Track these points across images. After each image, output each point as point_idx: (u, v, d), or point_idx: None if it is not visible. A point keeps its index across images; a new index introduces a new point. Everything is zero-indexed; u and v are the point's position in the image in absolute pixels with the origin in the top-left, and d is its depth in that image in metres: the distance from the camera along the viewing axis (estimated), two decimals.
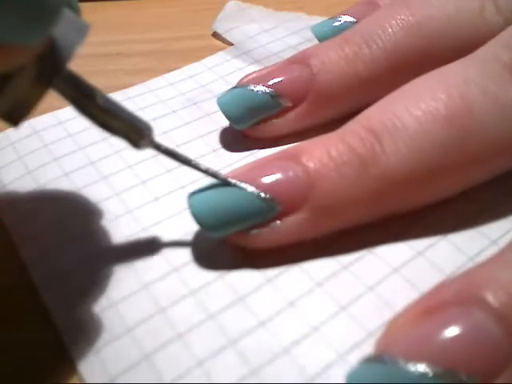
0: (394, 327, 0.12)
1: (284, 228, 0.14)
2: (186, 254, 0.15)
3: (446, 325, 0.11)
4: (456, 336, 0.10)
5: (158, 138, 0.18)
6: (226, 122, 0.19)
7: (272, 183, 0.14)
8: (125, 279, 0.14)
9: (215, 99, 0.20)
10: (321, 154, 0.14)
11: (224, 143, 0.19)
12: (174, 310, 0.13)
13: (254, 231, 0.14)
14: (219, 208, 0.14)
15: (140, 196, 0.17)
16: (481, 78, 0.14)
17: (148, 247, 0.15)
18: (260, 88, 0.17)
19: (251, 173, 0.14)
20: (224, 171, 0.17)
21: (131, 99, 0.21)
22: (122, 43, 0.25)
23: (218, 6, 0.27)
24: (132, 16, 0.28)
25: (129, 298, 0.14)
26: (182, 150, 0.18)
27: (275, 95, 0.17)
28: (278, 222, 0.14)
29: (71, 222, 0.16)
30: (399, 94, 0.15)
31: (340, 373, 0.12)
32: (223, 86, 0.21)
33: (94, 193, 0.17)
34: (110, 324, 0.13)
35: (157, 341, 0.13)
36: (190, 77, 0.22)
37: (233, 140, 0.19)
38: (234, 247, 0.15)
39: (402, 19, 0.17)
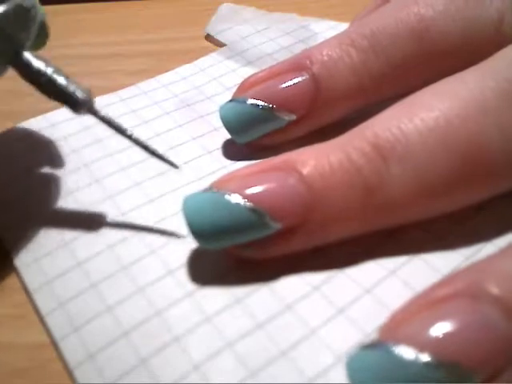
0: (398, 317, 0.12)
1: (281, 249, 0.14)
2: (181, 256, 0.15)
3: (452, 316, 0.10)
4: (461, 328, 0.10)
5: (152, 139, 0.19)
6: (220, 124, 0.19)
7: (272, 203, 0.13)
8: (120, 283, 0.14)
9: (208, 101, 0.21)
10: (324, 171, 0.13)
11: (219, 145, 0.19)
12: (171, 313, 0.13)
13: (249, 249, 0.14)
14: (214, 223, 0.13)
15: (133, 198, 0.17)
16: (497, 106, 0.13)
17: (143, 250, 0.15)
18: (262, 104, 0.17)
19: (254, 194, 0.13)
20: (219, 173, 0.17)
21: (124, 101, 0.21)
22: (121, 44, 0.25)
23: (217, 6, 0.27)
24: (132, 17, 0.28)
25: (124, 302, 0.14)
26: (177, 152, 0.18)
27: (278, 113, 0.17)
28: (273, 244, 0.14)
29: (64, 226, 0.16)
30: (407, 107, 0.14)
31: (338, 375, 0.12)
32: (216, 88, 0.21)
33: (87, 196, 0.17)
34: (106, 328, 0.13)
35: (153, 344, 0.13)
36: (183, 78, 0.22)
37: (227, 142, 0.19)
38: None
39: (413, 25, 0.16)
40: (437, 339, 0.10)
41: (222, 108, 0.18)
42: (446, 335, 0.10)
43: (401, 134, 0.13)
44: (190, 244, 0.15)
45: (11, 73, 0.24)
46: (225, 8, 0.27)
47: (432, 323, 0.10)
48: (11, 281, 0.15)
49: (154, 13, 0.28)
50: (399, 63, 0.17)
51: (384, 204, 0.13)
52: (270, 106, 0.17)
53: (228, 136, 0.18)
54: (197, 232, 0.14)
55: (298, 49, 0.21)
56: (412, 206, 0.14)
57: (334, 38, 0.18)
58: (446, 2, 0.16)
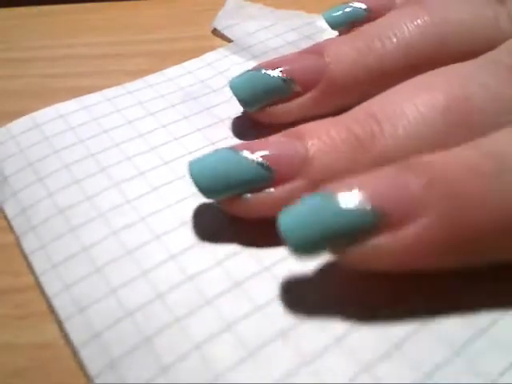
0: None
1: (277, 195, 0.14)
2: (183, 241, 0.15)
3: (380, 177, 0.12)
4: (385, 184, 0.12)
5: (157, 130, 0.19)
6: (224, 116, 0.19)
7: (271, 153, 0.14)
8: (124, 266, 0.14)
9: (214, 94, 0.21)
10: (320, 133, 0.15)
11: (222, 137, 0.19)
12: (172, 296, 0.14)
13: (248, 196, 0.14)
14: (216, 172, 0.14)
15: (139, 187, 0.17)
16: (480, 74, 0.15)
17: (146, 236, 0.15)
18: (273, 72, 0.17)
19: (253, 144, 0.15)
20: None
21: (131, 93, 0.21)
22: (121, 44, 0.25)
23: (218, 6, 0.27)
24: (132, 17, 0.28)
25: (128, 285, 0.14)
26: (181, 143, 0.18)
27: (287, 80, 0.17)
28: (272, 189, 0.14)
29: (71, 213, 0.16)
30: (402, 86, 0.15)
31: (336, 355, 0.12)
32: (222, 82, 0.21)
33: (93, 184, 0.17)
34: (110, 309, 0.13)
35: (156, 325, 0.13)
36: (189, 72, 0.22)
37: (231, 134, 0.19)
38: (231, 235, 0.15)
39: (418, 19, 0.17)
40: (366, 188, 0.12)
41: (232, 79, 0.18)
42: (372, 186, 0.12)
43: (394, 103, 0.15)
44: (193, 230, 0.15)
45: (5, 72, 0.24)
46: (232, 3, 0.27)
47: (364, 180, 0.12)
48: (13, 281, 0.15)
49: (154, 13, 0.28)
50: (404, 47, 0.17)
51: (378, 161, 0.14)
52: (279, 73, 0.17)
53: (233, 128, 0.18)
54: (199, 183, 0.14)
55: (304, 44, 0.22)
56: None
57: (344, 34, 0.19)
58: (450, 6, 0.18)
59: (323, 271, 0.14)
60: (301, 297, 0.14)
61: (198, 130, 0.19)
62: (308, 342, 0.13)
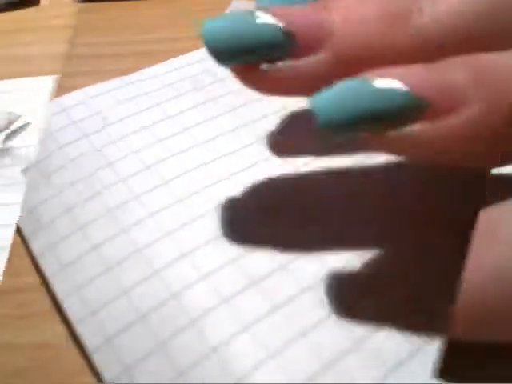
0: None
1: (297, 68, 0.12)
2: (195, 239, 0.14)
3: (427, 67, 0.11)
4: (432, 73, 0.11)
5: (164, 121, 0.18)
6: (232, 107, 0.19)
7: (293, 19, 0.12)
8: (135, 266, 0.14)
9: (220, 83, 0.20)
10: (350, 7, 0.13)
11: (233, 127, 0.18)
12: (187, 296, 0.13)
13: (265, 66, 0.12)
14: (231, 32, 0.12)
15: (146, 181, 0.16)
16: None
17: (156, 233, 0.15)
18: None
19: (275, 9, 0.12)
20: (232, 157, 0.17)
21: (133, 84, 0.21)
22: (121, 44, 0.25)
23: (218, 6, 0.27)
24: (132, 17, 0.28)
25: (140, 285, 0.14)
26: (190, 133, 0.18)
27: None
28: (292, 61, 0.12)
29: (78, 211, 0.16)
30: None
31: (356, 359, 0.12)
32: (227, 71, 0.21)
33: (99, 179, 0.16)
34: (123, 312, 0.13)
35: (170, 328, 0.13)
36: (197, 61, 0.22)
37: (242, 124, 0.18)
38: (244, 232, 0.15)
39: None
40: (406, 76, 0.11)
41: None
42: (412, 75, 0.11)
43: None
44: (205, 226, 0.15)
45: (5, 70, 0.24)
46: (235, 5, 0.27)
47: (411, 68, 0.11)
48: (13, 281, 0.15)
49: (154, 13, 0.28)
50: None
51: (412, 37, 0.12)
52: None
53: (242, 119, 0.18)
54: (211, 44, 0.12)
55: None
56: (441, 48, 0.12)
57: None
58: None
59: (343, 268, 0.14)
60: (319, 296, 0.13)
61: (207, 120, 0.18)
62: (328, 344, 0.12)
